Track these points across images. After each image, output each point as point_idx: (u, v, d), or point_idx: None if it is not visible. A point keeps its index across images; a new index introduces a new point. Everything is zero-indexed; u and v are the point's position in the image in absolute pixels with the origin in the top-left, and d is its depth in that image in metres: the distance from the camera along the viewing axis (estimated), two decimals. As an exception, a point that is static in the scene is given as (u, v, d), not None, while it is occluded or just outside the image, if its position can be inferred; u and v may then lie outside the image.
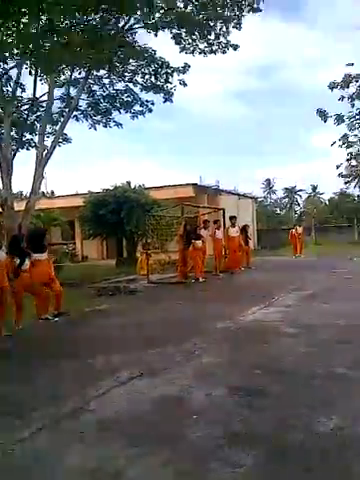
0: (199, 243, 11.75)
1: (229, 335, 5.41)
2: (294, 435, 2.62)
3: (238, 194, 24.96)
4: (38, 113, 14.05)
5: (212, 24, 13.24)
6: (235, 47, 13.89)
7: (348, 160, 31.13)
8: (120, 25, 12.13)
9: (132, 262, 15.07)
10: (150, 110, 14.17)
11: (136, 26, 12.61)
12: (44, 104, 13.32)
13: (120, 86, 14.16)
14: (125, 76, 13.80)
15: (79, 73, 13.28)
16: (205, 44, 13.39)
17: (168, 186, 21.18)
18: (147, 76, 13.48)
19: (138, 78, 13.63)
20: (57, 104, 13.74)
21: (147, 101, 14.08)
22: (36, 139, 13.51)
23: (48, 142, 13.15)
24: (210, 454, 2.43)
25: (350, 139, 29.47)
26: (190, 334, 5.40)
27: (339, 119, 29.19)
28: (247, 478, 2.21)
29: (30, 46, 9.77)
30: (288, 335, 5.19)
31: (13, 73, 12.50)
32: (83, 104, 14.23)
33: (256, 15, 13.25)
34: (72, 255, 20.48)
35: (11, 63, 12.25)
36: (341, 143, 29.58)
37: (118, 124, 14.54)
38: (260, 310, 6.79)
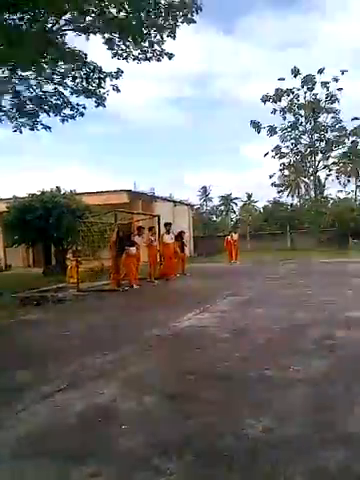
0: (133, 250, 11.61)
1: (162, 342, 5.31)
2: (225, 439, 2.59)
3: (174, 201, 25.13)
4: None
5: (146, 32, 13.24)
6: (170, 56, 13.97)
7: (281, 170, 32.82)
8: (49, 26, 11.74)
9: (61, 270, 14.53)
10: (82, 114, 13.77)
11: (66, 28, 12.27)
12: None
13: (49, 88, 13.64)
14: (53, 78, 13.32)
15: (2, 72, 12.59)
16: (139, 51, 13.32)
17: (101, 192, 20.80)
18: (78, 80, 13.12)
19: (68, 81, 13.24)
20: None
21: (78, 105, 13.68)
22: None
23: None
24: (139, 464, 2.35)
25: (282, 150, 31.13)
26: (121, 342, 5.25)
27: (272, 131, 30.72)
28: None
29: None
30: (223, 340, 5.18)
31: None
32: (6, 105, 13.50)
33: (191, 26, 13.42)
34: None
35: None
36: (274, 154, 31.15)
37: (46, 127, 13.94)
38: (195, 316, 6.75)
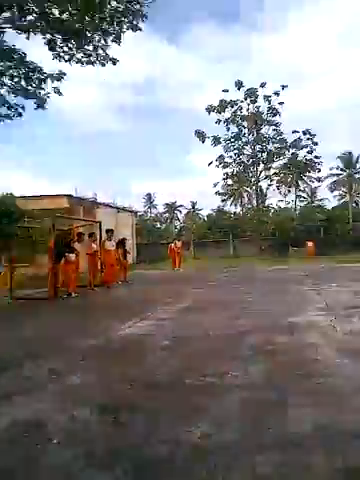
0: (72, 256, 11.26)
1: (100, 351, 5.11)
2: (161, 447, 2.51)
3: (117, 207, 24.78)
4: None
5: (90, 35, 13.05)
6: (114, 61, 13.85)
7: (224, 179, 33.49)
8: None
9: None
10: (20, 114, 13.22)
11: (5, 26, 11.77)
12: None
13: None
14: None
15: None
16: (82, 54, 13.08)
17: (40, 196, 20.04)
18: (16, 79, 12.60)
19: (6, 80, 12.68)
20: None
21: (17, 105, 13.11)
22: None
23: None
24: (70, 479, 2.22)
25: (226, 160, 31.82)
26: (56, 352, 4.99)
27: (216, 141, 31.32)
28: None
29: None
30: (162, 348, 5.07)
31: None
32: None
33: (137, 33, 13.40)
34: None
35: None
36: (218, 163, 31.76)
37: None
38: (135, 324, 6.61)
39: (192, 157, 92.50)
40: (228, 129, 30.86)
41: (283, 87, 29.27)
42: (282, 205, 43.93)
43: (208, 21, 75.34)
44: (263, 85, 29.39)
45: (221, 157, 31.33)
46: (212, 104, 30.23)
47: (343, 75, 77.95)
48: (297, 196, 52.95)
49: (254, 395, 3.33)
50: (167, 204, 61.97)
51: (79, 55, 13.13)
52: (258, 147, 30.97)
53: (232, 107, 30.24)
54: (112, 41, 13.28)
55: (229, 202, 52.52)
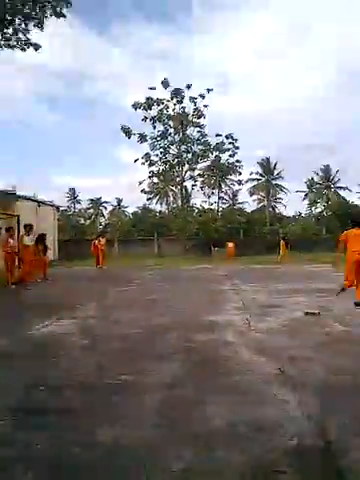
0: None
1: (13, 352, 4.82)
2: (72, 450, 2.44)
3: (38, 201, 23.68)
4: None
5: (10, 18, 12.32)
6: (36, 47, 13.23)
7: (150, 177, 33.52)
8: None
9: None
10: None
11: None
12: None
13: None
14: None
15: None
16: (0, 36, 12.31)
17: None
18: None
19: None
20: None
21: None
22: None
23: None
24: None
25: (152, 158, 31.87)
26: None
27: (142, 138, 31.23)
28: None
29: None
30: (80, 347, 4.94)
31: None
32: None
33: (63, 21, 12.93)
34: None
35: None
36: (144, 161, 31.71)
37: None
38: (54, 323, 6.38)
39: (119, 153, 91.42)
40: (154, 127, 30.93)
41: (208, 90, 29.94)
42: (206, 206, 44.99)
43: (139, 17, 74.99)
44: (189, 86, 29.82)
45: (147, 155, 31.32)
46: (139, 101, 30.09)
47: (265, 82, 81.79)
48: (220, 198, 54.63)
49: (170, 393, 3.35)
50: (92, 200, 60.60)
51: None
52: (183, 147, 31.39)
53: (158, 105, 30.32)
54: (34, 26, 12.68)
55: (155, 200, 52.88)
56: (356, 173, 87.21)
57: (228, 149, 31.38)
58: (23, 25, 12.46)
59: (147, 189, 34.78)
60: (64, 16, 12.89)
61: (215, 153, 31.67)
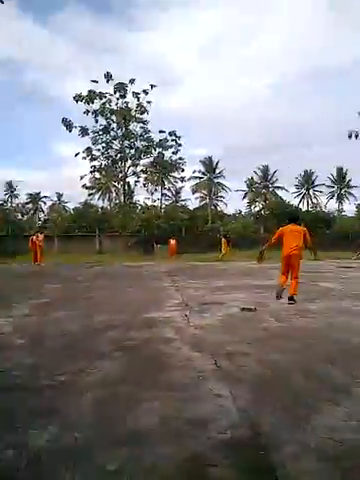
0: None
1: None
2: (4, 453, 2.37)
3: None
4: None
5: None
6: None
7: (92, 172, 32.82)
8: None
9: None
10: None
11: None
12: None
13: None
14: None
15: None
16: None
17: None
18: None
19: None
20: None
21: None
22: None
23: None
24: None
25: (94, 153, 31.22)
26: None
27: (83, 132, 30.47)
28: None
29: None
30: (16, 347, 4.74)
31: None
32: None
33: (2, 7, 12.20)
34: None
35: None
36: (85, 155, 30.97)
37: None
38: (-16, 323, 6.03)
39: (59, 147, 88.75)
40: (96, 121, 30.30)
41: (152, 86, 29.83)
42: (149, 202, 44.95)
43: (81, 8, 73.01)
44: (132, 81, 29.48)
45: (89, 149, 30.63)
46: (81, 93, 29.31)
47: (209, 81, 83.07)
48: (163, 195, 54.85)
49: (110, 392, 3.31)
50: (30, 194, 58.41)
51: None
52: (126, 143, 31.04)
53: (101, 99, 29.72)
54: None
55: (97, 196, 51.97)
56: (293, 173, 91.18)
57: (171, 146, 31.47)
58: None
59: (89, 184, 34.08)
60: (1, 1, 12.22)
61: (158, 150, 31.63)
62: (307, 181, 65.68)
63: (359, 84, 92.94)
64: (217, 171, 58.57)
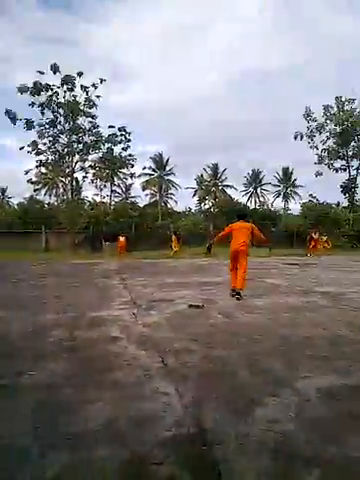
0: None
1: None
2: None
3: None
4: None
5: None
6: None
7: (37, 167, 31.72)
8: None
9: None
10: None
11: None
12: None
13: None
14: None
15: None
16: None
17: None
18: None
19: None
20: None
21: None
22: None
23: None
24: None
25: (40, 146, 30.16)
26: None
27: (29, 125, 29.37)
28: None
29: None
30: None
31: None
32: None
33: None
34: None
35: None
36: (30, 149, 29.86)
37: None
38: None
39: (3, 139, 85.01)
40: (43, 114, 29.27)
41: (101, 80, 29.27)
42: (98, 199, 44.18)
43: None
44: (80, 74, 28.72)
45: (34, 143, 29.55)
46: (26, 84, 28.19)
47: (160, 78, 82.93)
48: (112, 191, 54.15)
49: (52, 394, 3.22)
50: (-29, 189, 55.59)
51: None
52: (74, 137, 30.23)
53: (48, 91, 28.75)
54: None
55: (43, 191, 50.38)
56: (241, 172, 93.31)
57: (120, 141, 31.07)
58: None
59: (34, 179, 32.97)
60: None
61: (107, 145, 31.13)
62: (255, 180, 67.54)
63: (306, 85, 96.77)
64: (167, 168, 58.73)
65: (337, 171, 39.00)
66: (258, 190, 67.89)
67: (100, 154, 31.67)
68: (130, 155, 32.51)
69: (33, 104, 28.83)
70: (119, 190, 58.26)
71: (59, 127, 29.94)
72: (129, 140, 31.21)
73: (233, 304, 7.17)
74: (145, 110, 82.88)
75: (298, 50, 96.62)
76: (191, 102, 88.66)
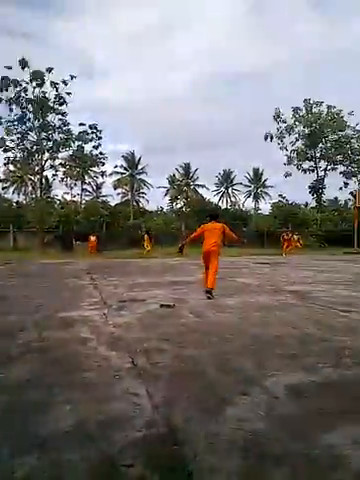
0: None
1: None
2: None
3: None
4: None
5: None
6: None
7: (5, 164, 30.96)
8: None
9: None
10: None
11: None
12: None
13: None
14: None
15: None
16: None
17: None
18: None
19: None
20: None
21: None
22: None
23: None
24: None
25: (8, 143, 29.41)
26: None
27: (-4, 121, 28.59)
28: None
29: None
30: None
31: None
32: None
33: None
34: None
35: None
36: (-2, 146, 29.05)
37: None
38: None
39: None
40: (11, 110, 28.59)
41: (72, 77, 28.84)
42: (68, 197, 43.51)
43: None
44: (50, 70, 28.21)
45: (2, 140, 28.82)
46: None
47: (133, 77, 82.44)
48: (83, 190, 53.49)
49: (19, 397, 3.13)
50: None
51: None
52: (43, 134, 29.67)
53: (16, 87, 28.07)
54: None
55: (11, 189, 49.20)
56: (213, 172, 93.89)
57: (91, 139, 30.70)
58: None
59: (2, 177, 32.15)
60: None
61: (78, 143, 30.69)
62: (226, 180, 68.17)
63: (276, 86, 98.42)
64: (139, 167, 58.45)
65: (305, 172, 39.90)
66: (229, 190, 68.60)
67: (70, 152, 31.24)
68: (101, 153, 32.21)
69: (0, 100, 28.13)
70: (90, 189, 57.63)
71: (28, 124, 29.37)
72: (100, 138, 30.94)
73: (204, 303, 7.20)
74: (117, 109, 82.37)
75: (270, 51, 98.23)
76: (163, 102, 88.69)
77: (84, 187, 54.16)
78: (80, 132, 30.41)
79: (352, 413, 2.80)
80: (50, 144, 29.93)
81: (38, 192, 32.78)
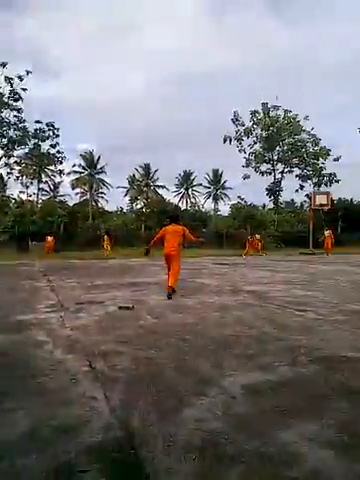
0: None
1: None
2: None
3: None
4: None
5: None
6: None
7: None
8: None
9: None
10: None
11: None
12: None
13: None
14: None
15: None
16: None
17: None
18: None
19: None
20: None
21: None
22: None
23: None
24: None
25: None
26: None
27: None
28: None
29: None
30: None
31: None
32: None
33: None
34: None
35: None
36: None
37: None
38: None
39: None
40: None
41: (28, 72, 28.02)
42: (24, 197, 42.20)
43: None
44: (4, 65, 27.30)
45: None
46: None
47: (92, 75, 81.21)
48: (39, 189, 52.09)
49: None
50: None
51: None
52: (-2, 131, 28.69)
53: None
54: None
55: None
56: (173, 173, 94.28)
57: (48, 137, 29.96)
58: None
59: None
60: None
61: (34, 141, 29.87)
62: (186, 181, 68.56)
63: (235, 88, 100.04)
64: (98, 167, 57.65)
65: (263, 174, 40.74)
66: (189, 191, 69.03)
67: (26, 150, 30.35)
68: (59, 152, 31.51)
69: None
70: (47, 188, 56.26)
71: (-18, 120, 28.24)
72: (57, 136, 30.27)
73: (163, 304, 7.20)
74: (76, 107, 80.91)
75: (231, 53, 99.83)
76: (123, 101, 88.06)
77: (41, 186, 52.74)
78: (36, 130, 29.62)
79: (307, 411, 2.88)
80: (5, 141, 28.95)
81: (-8, 191, 31.60)
